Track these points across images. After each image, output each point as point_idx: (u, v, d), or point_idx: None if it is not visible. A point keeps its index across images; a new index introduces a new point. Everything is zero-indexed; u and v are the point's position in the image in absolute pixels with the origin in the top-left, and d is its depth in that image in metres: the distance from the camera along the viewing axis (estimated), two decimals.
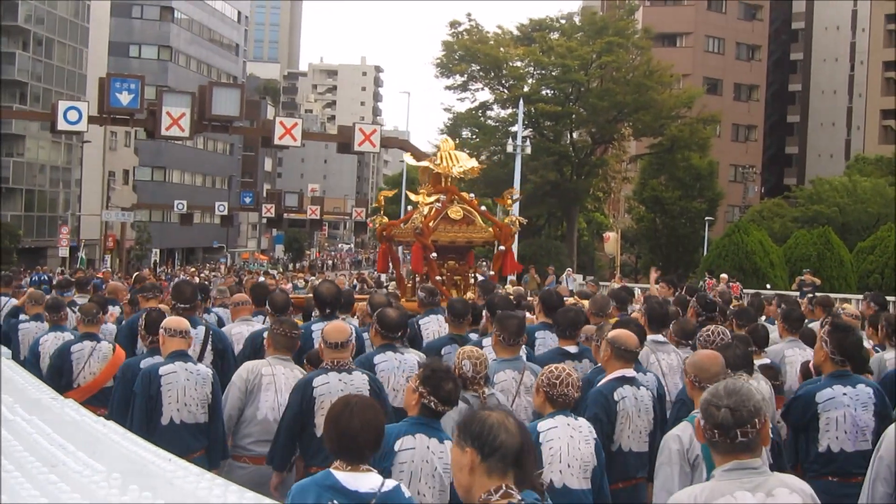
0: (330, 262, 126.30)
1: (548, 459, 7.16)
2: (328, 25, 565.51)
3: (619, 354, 8.42)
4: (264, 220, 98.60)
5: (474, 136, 73.32)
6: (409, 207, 19.49)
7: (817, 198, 72.96)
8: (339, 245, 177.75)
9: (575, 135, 75.07)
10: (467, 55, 70.75)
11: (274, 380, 9.12)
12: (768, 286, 43.23)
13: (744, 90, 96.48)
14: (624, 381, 8.39)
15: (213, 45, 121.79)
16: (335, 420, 5.47)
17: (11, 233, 75.91)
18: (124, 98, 34.68)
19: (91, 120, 35.51)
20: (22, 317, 14.44)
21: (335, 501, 5.23)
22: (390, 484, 5.43)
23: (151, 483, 3.88)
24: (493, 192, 70.70)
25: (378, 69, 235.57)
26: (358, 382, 8.43)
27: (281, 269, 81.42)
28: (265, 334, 10.13)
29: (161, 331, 9.29)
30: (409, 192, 19.73)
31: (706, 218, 71.87)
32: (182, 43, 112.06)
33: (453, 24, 72.42)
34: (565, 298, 15.85)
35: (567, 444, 7.23)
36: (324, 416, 7.02)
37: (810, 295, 23.84)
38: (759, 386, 8.70)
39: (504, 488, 4.47)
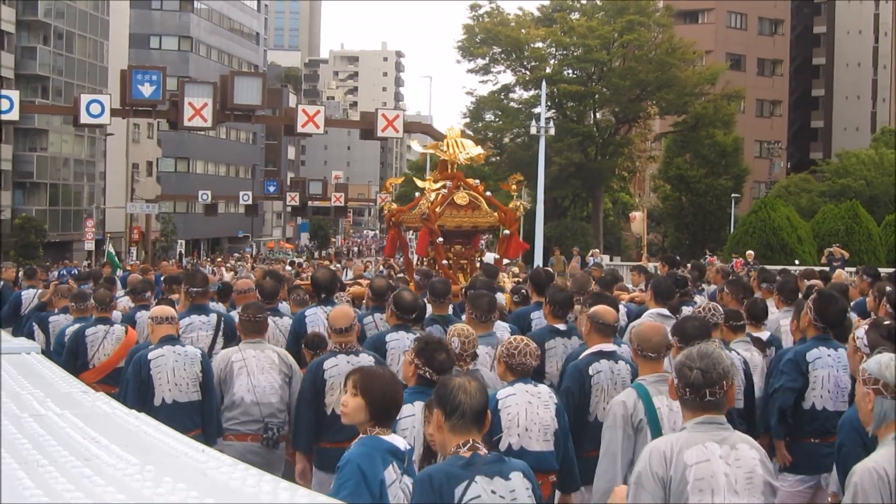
0: (356, 249, 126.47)
1: (506, 424, 7.65)
2: (348, 12, 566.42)
3: (598, 329, 8.93)
4: (289, 209, 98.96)
5: (497, 119, 73.31)
6: (417, 193, 20.09)
7: (844, 171, 72.68)
8: (365, 231, 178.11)
9: (598, 115, 74.96)
10: (488, 38, 70.67)
11: (245, 364, 9.70)
12: (797, 262, 43.07)
13: (767, 65, 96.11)
14: (601, 355, 8.86)
15: (234, 35, 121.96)
16: (387, 392, 5.82)
17: (37, 227, 76.29)
18: (146, 90, 34.73)
19: (113, 112, 35.58)
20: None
21: (395, 464, 5.65)
22: (409, 443, 6.02)
23: (185, 474, 3.84)
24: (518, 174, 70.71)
25: (399, 54, 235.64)
26: (364, 363, 8.73)
27: (306, 257, 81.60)
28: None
29: (149, 320, 10.12)
30: (416, 179, 20.27)
31: (732, 195, 71.69)
32: (202, 33, 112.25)
33: (474, 7, 72.39)
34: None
35: (525, 410, 7.71)
36: (334, 397, 8.70)
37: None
38: (752, 356, 10.30)
39: (471, 442, 5.31)
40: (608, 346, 8.86)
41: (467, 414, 5.29)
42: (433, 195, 17.31)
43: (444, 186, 17.40)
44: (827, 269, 30.35)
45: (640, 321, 10.20)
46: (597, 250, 49.54)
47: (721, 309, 10.45)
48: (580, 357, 9.10)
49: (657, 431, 6.85)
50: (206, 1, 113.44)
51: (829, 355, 9.16)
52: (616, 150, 72.53)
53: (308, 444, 9.18)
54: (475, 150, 18.13)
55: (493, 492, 5.24)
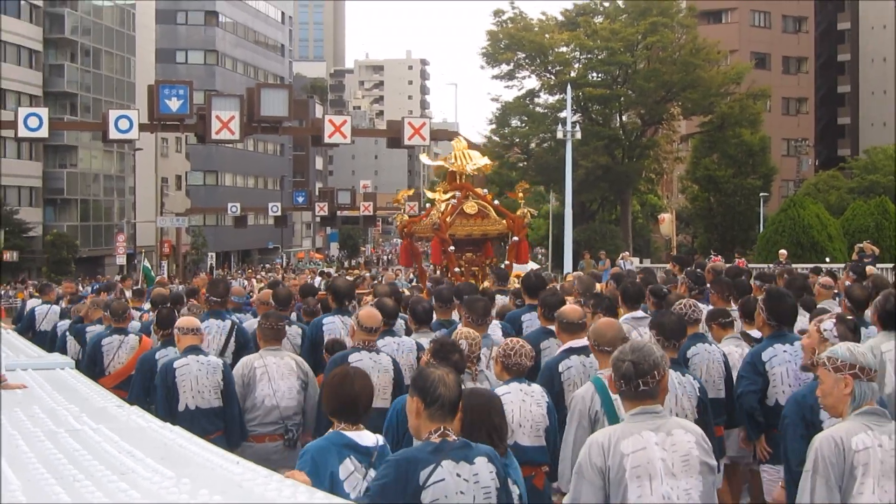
0: (385, 258, 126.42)
1: None
2: (372, 21, 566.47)
3: (563, 327, 9.52)
4: (318, 219, 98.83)
5: (523, 125, 73.22)
6: (427, 204, 20.61)
7: (872, 167, 72.31)
8: (394, 240, 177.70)
9: (624, 117, 74.80)
10: (512, 43, 70.65)
11: (266, 370, 10.31)
12: (827, 259, 42.86)
13: (792, 63, 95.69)
14: (572, 351, 9.32)
15: (259, 47, 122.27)
16: (339, 388, 6.39)
17: (68, 243, 76.64)
18: (173, 104, 34.86)
19: (142, 127, 35.73)
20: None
21: (352, 457, 6.24)
22: (381, 439, 6.51)
23: (221, 486, 3.88)
24: (546, 179, 70.88)
25: (424, 62, 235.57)
26: (385, 362, 9.83)
27: (337, 267, 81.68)
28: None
29: (175, 330, 10.59)
30: (426, 191, 20.85)
31: (761, 194, 71.37)
32: (228, 46, 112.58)
33: (497, 13, 72.39)
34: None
35: (519, 407, 8.21)
36: None
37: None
38: (742, 352, 10.50)
39: (442, 429, 5.65)
40: (578, 342, 9.23)
41: (446, 405, 5.67)
42: (443, 206, 18.02)
43: (453, 197, 18.15)
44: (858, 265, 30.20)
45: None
46: (627, 253, 49.39)
47: (700, 306, 10.91)
48: (553, 355, 9.69)
49: (614, 420, 7.21)
50: (230, 14, 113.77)
51: (784, 351, 9.53)
52: (643, 152, 72.37)
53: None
54: (482, 161, 18.95)
55: (458, 475, 5.59)
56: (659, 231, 75.95)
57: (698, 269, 15.97)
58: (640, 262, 53.04)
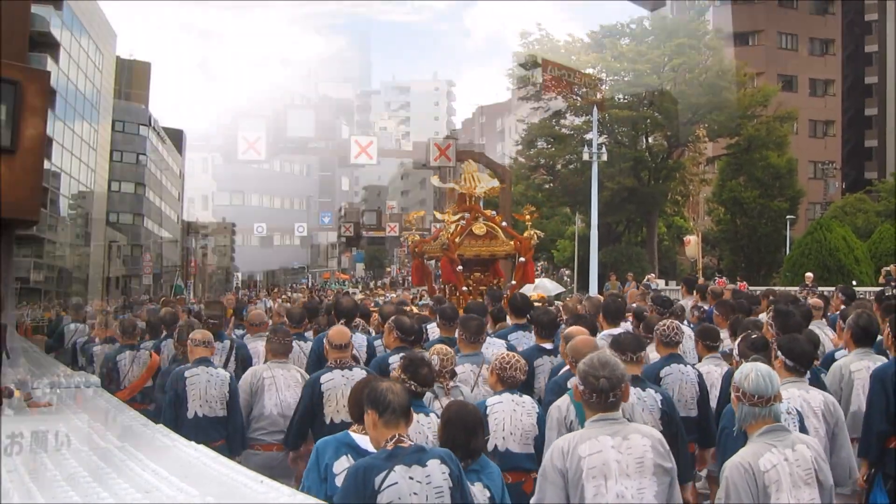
0: (410, 278, 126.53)
1: (493, 428, 8.71)
2: (398, 43, 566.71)
3: None
4: (344, 240, 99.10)
5: (549, 146, 73.08)
6: (437, 226, 21.01)
7: None
8: None
9: (650, 139, 74.49)
10: (539, 65, 70.46)
11: (274, 381, 11.12)
12: (854, 283, 42.65)
13: (819, 85, 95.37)
14: None
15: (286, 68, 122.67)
16: (361, 396, 6.72)
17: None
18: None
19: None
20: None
21: (349, 455, 6.77)
22: None
23: None
24: (572, 200, 70.77)
25: (450, 84, 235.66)
26: (357, 377, 9.88)
27: (362, 287, 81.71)
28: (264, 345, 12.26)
29: (189, 341, 11.29)
30: (436, 212, 21.35)
31: (787, 217, 71.05)
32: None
33: (524, 35, 72.31)
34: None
35: (510, 417, 8.84)
36: (331, 407, 9.93)
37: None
38: (721, 371, 11.01)
39: (397, 436, 6.14)
40: None
41: (397, 410, 6.18)
42: (453, 227, 18.69)
43: (462, 218, 18.82)
44: (886, 288, 30.05)
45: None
46: (652, 275, 49.29)
47: (683, 328, 11.61)
48: (559, 374, 10.09)
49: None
50: None
51: None
52: (669, 174, 72.03)
53: (295, 444, 10.32)
54: (490, 184, 19.59)
55: (411, 478, 6.05)
56: (685, 253, 75.53)
57: (664, 295, 16.54)
58: (666, 283, 52.89)
